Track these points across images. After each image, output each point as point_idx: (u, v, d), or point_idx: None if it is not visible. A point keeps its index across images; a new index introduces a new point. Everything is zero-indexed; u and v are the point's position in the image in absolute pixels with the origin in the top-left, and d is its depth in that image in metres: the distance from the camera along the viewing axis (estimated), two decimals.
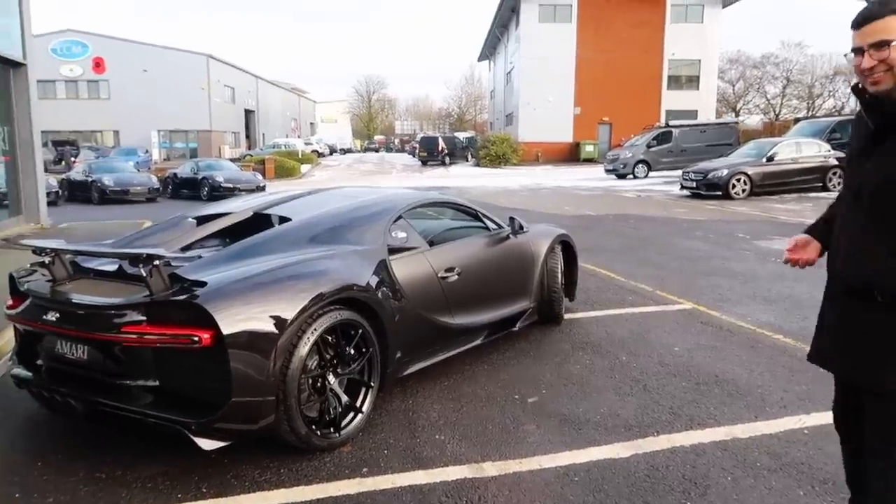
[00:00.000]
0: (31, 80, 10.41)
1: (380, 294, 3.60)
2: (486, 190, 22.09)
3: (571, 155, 40.52)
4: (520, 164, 37.23)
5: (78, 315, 3.12)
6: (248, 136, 55.69)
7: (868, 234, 2.03)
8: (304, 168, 37.38)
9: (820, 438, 3.40)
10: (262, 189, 19.90)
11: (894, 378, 1.99)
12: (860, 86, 2.05)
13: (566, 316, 5.78)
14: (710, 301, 6.33)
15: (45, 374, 3.38)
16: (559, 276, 5.35)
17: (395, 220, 4.14)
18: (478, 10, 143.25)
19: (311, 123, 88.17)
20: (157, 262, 2.99)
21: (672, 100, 41.48)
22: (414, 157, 45.66)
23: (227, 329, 2.87)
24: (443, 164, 40.33)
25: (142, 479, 3.08)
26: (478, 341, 4.59)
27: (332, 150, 61.74)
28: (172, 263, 3.24)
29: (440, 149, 40.85)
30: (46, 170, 27.78)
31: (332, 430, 3.35)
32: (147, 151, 37.03)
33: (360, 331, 3.46)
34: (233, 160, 35.86)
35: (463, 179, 27.94)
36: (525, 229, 5.17)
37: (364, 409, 3.54)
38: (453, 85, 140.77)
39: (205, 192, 19.53)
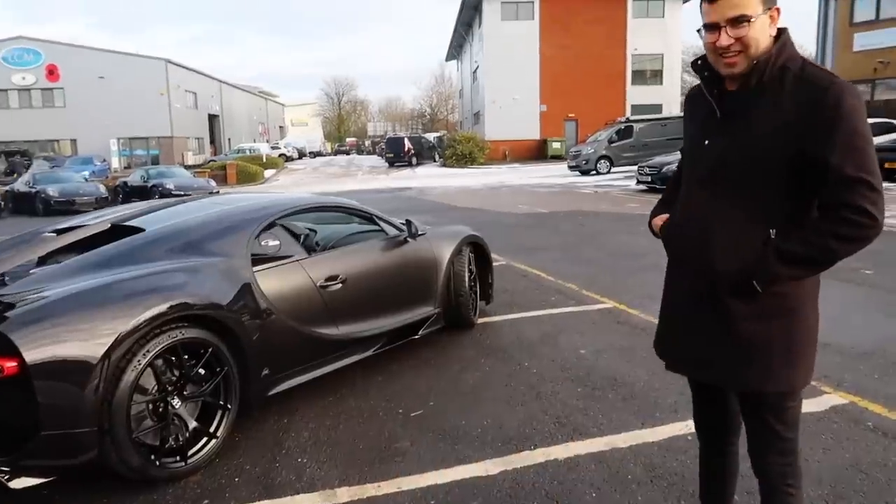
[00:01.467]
0: None
1: (235, 309, 3.34)
2: (448, 190, 21.90)
3: (539, 152, 40.45)
4: (487, 164, 37.07)
5: None
6: (212, 142, 54.86)
7: (734, 219, 1.87)
8: (269, 172, 36.91)
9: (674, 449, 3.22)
10: (217, 194, 19.47)
11: (773, 377, 1.88)
12: (699, 62, 1.93)
13: (481, 320, 5.57)
14: (633, 299, 6.15)
15: None
16: (466, 279, 5.13)
17: (266, 229, 3.88)
18: (443, 9, 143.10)
19: (281, 127, 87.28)
20: None
21: (637, 95, 41.64)
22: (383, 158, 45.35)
23: (31, 357, 2.60)
24: (409, 164, 40.04)
25: None
26: (370, 352, 4.34)
27: (302, 154, 61.06)
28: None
29: (406, 150, 40.55)
30: None
31: (177, 458, 3.09)
32: (104, 160, 36.21)
33: (211, 349, 3.21)
34: (196, 166, 35.36)
35: (426, 180, 27.72)
36: (423, 232, 4.94)
37: (219, 433, 3.28)
38: (423, 85, 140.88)
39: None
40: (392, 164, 40.60)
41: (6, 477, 2.66)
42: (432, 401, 3.97)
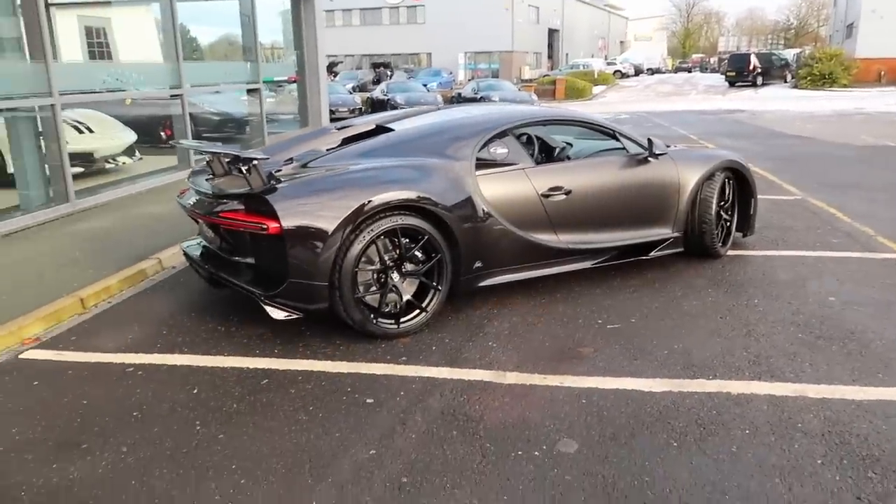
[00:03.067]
0: (317, 11, 12.11)
1: (450, 205, 3.80)
2: (786, 115, 19.47)
3: None
4: (853, 86, 31.60)
5: (202, 202, 3.94)
6: (550, 56, 56.10)
7: None
8: (598, 89, 36.77)
9: (880, 415, 2.82)
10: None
11: None
12: None
13: (733, 252, 5.25)
14: None
15: (200, 253, 4.30)
16: (713, 206, 4.86)
17: (497, 137, 4.21)
18: None
19: (622, 42, 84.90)
20: (255, 163, 3.63)
21: None
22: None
23: (286, 223, 3.41)
24: (753, 84, 36.06)
25: (242, 336, 3.88)
26: (591, 263, 4.50)
27: (639, 71, 59.08)
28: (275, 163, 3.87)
29: (751, 67, 36.47)
30: (365, 89, 31.92)
31: (391, 321, 3.75)
32: (451, 73, 39.81)
33: (427, 237, 3.74)
34: (530, 81, 36.87)
35: (766, 103, 24.89)
36: (663, 152, 4.77)
37: (429, 308, 3.86)
38: None
39: None
40: (733, 83, 36.99)
41: (270, 308, 3.58)
42: (635, 318, 4.03)
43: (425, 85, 27.76)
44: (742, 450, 2.63)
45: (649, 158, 4.71)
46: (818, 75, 32.27)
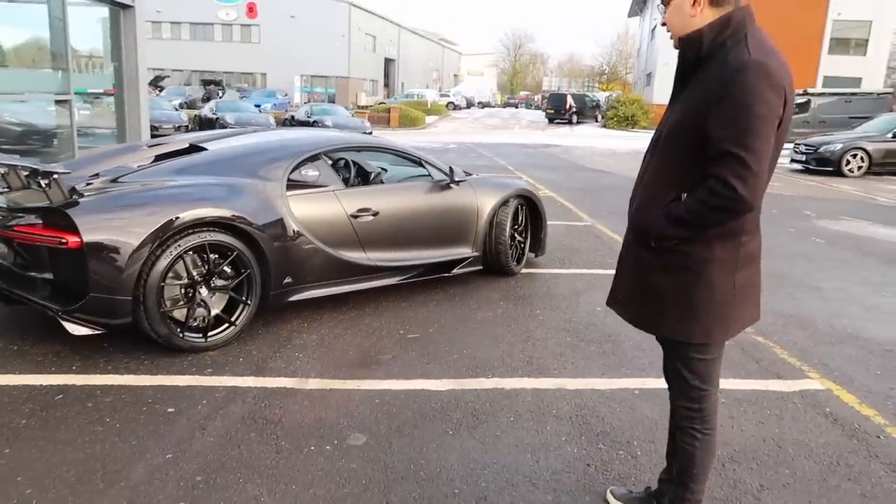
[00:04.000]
0: (138, 21, 11.68)
1: (260, 222, 4.00)
2: (593, 151, 21.63)
3: None
4: (650, 127, 35.68)
5: None
6: (386, 85, 57.40)
7: (655, 180, 2.12)
8: (430, 119, 38.19)
9: (617, 400, 3.45)
10: (369, 135, 20.82)
11: (668, 326, 2.12)
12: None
13: (527, 270, 5.90)
14: None
15: None
16: (507, 229, 5.47)
17: (306, 160, 4.48)
18: None
19: (455, 75, 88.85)
20: (55, 176, 3.59)
21: (833, 65, 37.60)
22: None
23: (87, 237, 3.43)
24: (569, 122, 39.50)
25: (37, 354, 3.78)
26: (397, 280, 4.89)
27: (470, 104, 62.12)
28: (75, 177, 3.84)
29: (568, 107, 39.97)
30: (193, 106, 30.69)
31: (199, 335, 3.86)
32: (286, 95, 39.50)
33: (236, 252, 3.91)
34: (366, 107, 37.46)
35: (578, 139, 27.40)
36: (463, 179, 5.32)
37: (238, 322, 4.01)
38: (603, 42, 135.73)
39: None
40: (552, 120, 40.26)
41: (68, 324, 3.54)
42: (433, 328, 4.45)
43: (258, 105, 27.35)
44: (505, 433, 3.09)
45: (451, 185, 5.22)
46: (623, 117, 36.10)
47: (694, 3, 2.01)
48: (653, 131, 2.24)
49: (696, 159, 1.97)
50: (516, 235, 5.71)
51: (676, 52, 2.12)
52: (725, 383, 3.61)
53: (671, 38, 2.11)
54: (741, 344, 4.26)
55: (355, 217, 4.58)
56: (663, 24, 2.13)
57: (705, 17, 2.00)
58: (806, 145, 16.20)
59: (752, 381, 3.77)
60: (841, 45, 38.38)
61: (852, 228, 8.87)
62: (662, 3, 2.11)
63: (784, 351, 4.27)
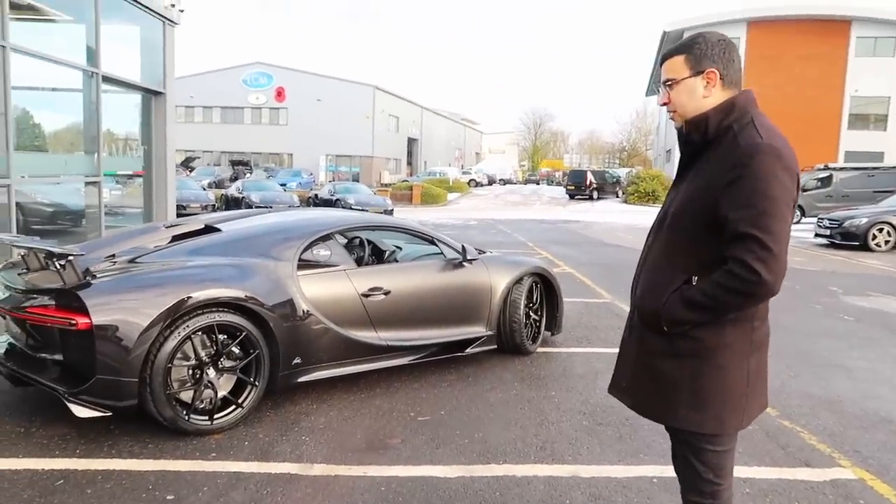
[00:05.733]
0: (168, 106, 12.20)
1: (270, 302, 4.00)
2: (614, 226, 21.65)
3: None
4: None
5: (10, 297, 3.86)
6: (409, 163, 58.72)
7: (661, 262, 2.06)
8: (453, 196, 38.76)
9: (634, 489, 3.28)
10: (390, 212, 21.14)
11: (678, 415, 2.01)
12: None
13: (543, 349, 5.80)
14: None
15: (4, 350, 4.12)
16: (521, 308, 5.41)
17: (318, 240, 4.51)
18: (646, 45, 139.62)
19: (477, 153, 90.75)
20: (70, 258, 3.65)
21: (854, 140, 37.81)
22: None
23: (97, 318, 3.44)
24: (590, 198, 39.77)
25: (42, 437, 3.73)
26: (409, 359, 4.81)
27: (492, 181, 63.10)
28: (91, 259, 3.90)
29: (588, 183, 40.34)
30: (222, 186, 31.57)
31: (205, 417, 3.80)
32: (311, 174, 40.56)
33: (244, 333, 3.89)
34: (388, 185, 38.25)
35: (599, 215, 27.50)
36: (475, 258, 5.30)
37: (245, 404, 3.94)
38: (623, 120, 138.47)
39: None
40: (573, 196, 40.57)
41: (74, 407, 3.51)
42: (445, 410, 4.34)
43: (283, 185, 28.02)
44: None
45: (463, 263, 5.20)
46: (643, 192, 36.26)
47: (707, 85, 2.00)
48: None
49: (704, 242, 1.94)
50: (531, 314, 5.63)
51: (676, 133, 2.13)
52: (749, 472, 3.48)
53: (672, 118, 2.10)
54: (766, 428, 4.08)
55: (366, 296, 4.57)
56: (664, 104, 2.10)
57: (716, 98, 2.00)
58: (830, 220, 16.03)
59: (779, 470, 3.57)
60: (860, 120, 38.68)
61: (881, 304, 8.63)
62: (666, 84, 2.09)
63: (813, 436, 4.07)
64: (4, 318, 4.14)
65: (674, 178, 2.19)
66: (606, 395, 4.63)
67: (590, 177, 41.14)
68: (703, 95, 2.01)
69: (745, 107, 1.99)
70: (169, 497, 3.11)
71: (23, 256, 4.20)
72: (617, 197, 41.79)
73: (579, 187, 40.43)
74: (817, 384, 5.11)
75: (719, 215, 1.88)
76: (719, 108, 1.99)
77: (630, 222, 23.53)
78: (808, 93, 37.22)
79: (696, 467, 2.04)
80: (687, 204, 2.00)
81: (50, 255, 3.71)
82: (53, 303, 3.63)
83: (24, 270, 4.12)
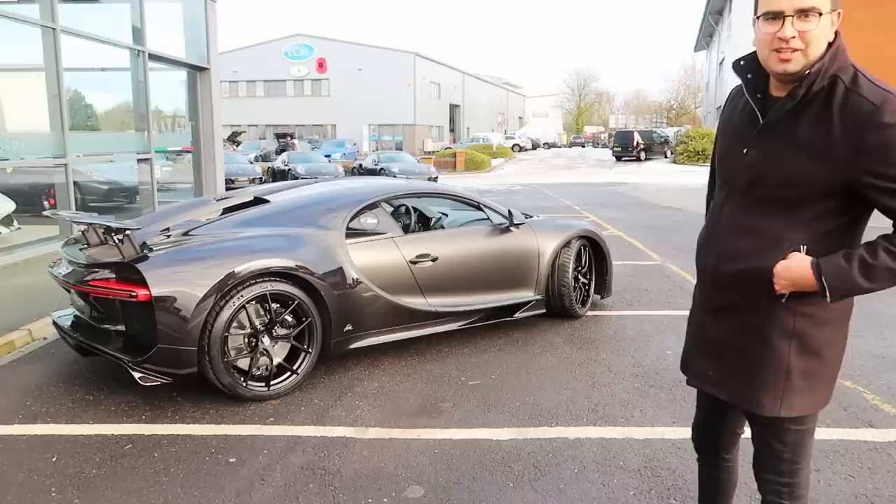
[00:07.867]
0: (213, 82, 12.38)
1: (320, 271, 4.05)
2: (663, 187, 21.16)
3: None
4: None
5: (74, 271, 4.01)
6: (452, 130, 58.38)
7: (768, 235, 1.77)
8: (496, 161, 38.46)
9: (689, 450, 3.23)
10: (434, 180, 21.13)
11: (791, 405, 1.80)
12: (741, 62, 1.80)
13: (592, 312, 5.75)
14: None
15: (71, 322, 4.32)
16: (570, 271, 5.35)
17: (365, 209, 4.54)
18: None
19: (520, 117, 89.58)
20: (127, 232, 3.76)
21: None
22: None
23: (156, 290, 3.55)
24: (637, 159, 38.96)
25: (111, 404, 3.90)
26: (459, 325, 4.83)
27: (536, 145, 62.34)
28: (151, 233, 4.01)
29: (635, 144, 39.47)
30: (268, 159, 32.00)
31: (262, 384, 3.90)
32: (354, 144, 40.76)
33: (297, 302, 3.96)
34: (432, 153, 38.20)
35: (647, 176, 26.91)
36: (522, 222, 5.25)
37: (300, 371, 4.04)
38: (670, 77, 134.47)
39: None
40: (619, 157, 39.80)
41: (138, 375, 3.66)
42: (495, 374, 4.36)
43: (328, 156, 28.24)
44: (568, 486, 2.95)
45: (510, 227, 5.17)
46: (693, 152, 35.27)
47: (833, 24, 1.66)
48: None
49: (832, 210, 1.70)
50: (580, 277, 5.58)
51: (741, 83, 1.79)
52: None
53: (784, 59, 1.65)
54: None
55: (414, 263, 4.59)
56: (790, 38, 1.63)
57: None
58: None
59: (841, 430, 3.49)
60: None
61: None
62: (803, 14, 1.62)
63: (876, 396, 3.95)
64: (69, 291, 4.32)
65: (730, 133, 1.90)
66: (659, 357, 4.63)
67: (636, 137, 40.23)
68: (828, 38, 1.67)
69: (846, 53, 1.69)
70: (231, 460, 3.22)
71: (83, 232, 4.34)
72: (665, 157, 40.80)
73: (626, 148, 39.62)
74: (881, 344, 4.95)
75: (872, 186, 1.62)
76: (833, 52, 1.66)
77: (680, 182, 22.97)
78: (874, 39, 35.31)
79: (776, 448, 1.86)
80: (797, 170, 1.69)
81: (108, 230, 3.83)
82: (114, 276, 3.76)
83: (85, 245, 4.27)
